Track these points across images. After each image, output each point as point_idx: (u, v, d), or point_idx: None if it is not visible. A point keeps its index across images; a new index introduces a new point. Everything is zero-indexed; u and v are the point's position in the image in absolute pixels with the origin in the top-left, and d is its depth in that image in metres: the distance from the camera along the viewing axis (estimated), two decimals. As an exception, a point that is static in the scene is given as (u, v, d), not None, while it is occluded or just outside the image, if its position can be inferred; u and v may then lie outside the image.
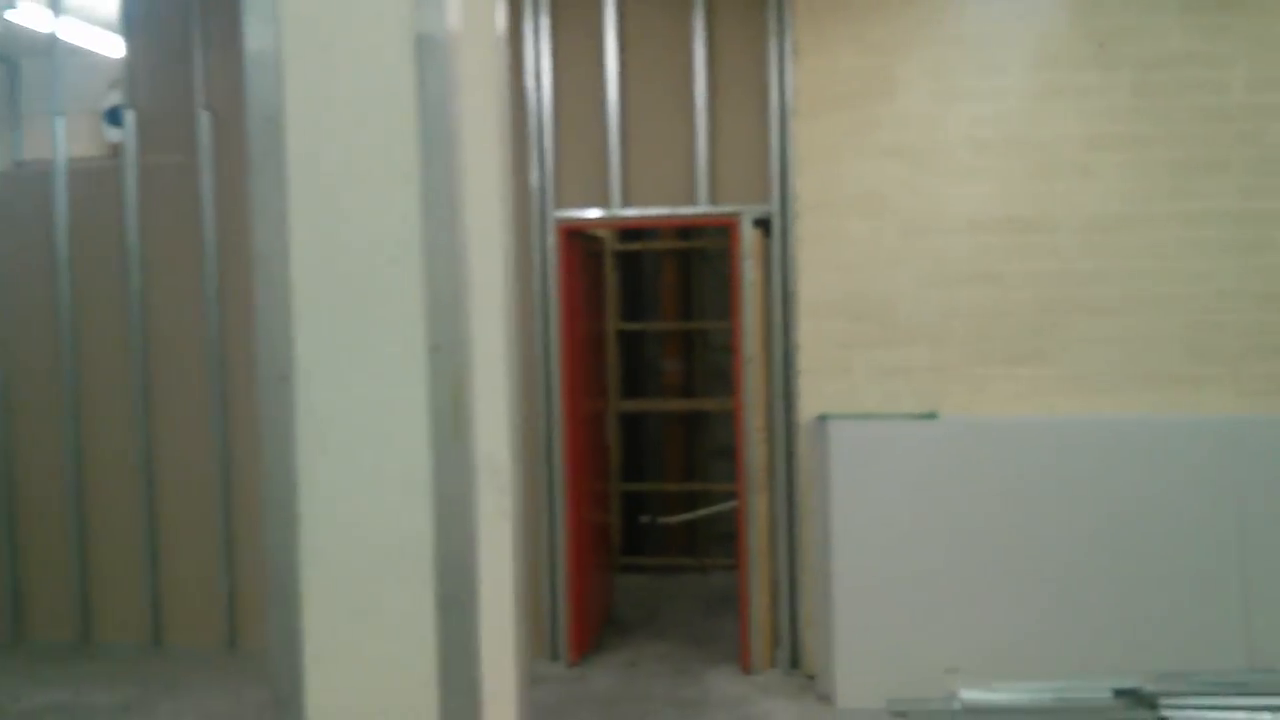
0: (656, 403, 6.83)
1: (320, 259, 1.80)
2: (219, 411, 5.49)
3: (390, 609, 1.79)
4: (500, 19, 2.16)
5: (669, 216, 5.14)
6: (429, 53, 1.78)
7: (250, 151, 1.83)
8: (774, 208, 4.95)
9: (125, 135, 5.56)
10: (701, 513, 6.77)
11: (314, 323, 1.80)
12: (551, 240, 5.11)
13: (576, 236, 5.26)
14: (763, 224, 5.01)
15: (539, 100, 5.13)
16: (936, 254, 4.83)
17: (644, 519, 6.88)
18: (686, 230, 6.68)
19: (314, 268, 1.80)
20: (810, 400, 4.87)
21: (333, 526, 1.81)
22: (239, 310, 5.46)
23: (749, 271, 4.92)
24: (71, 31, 5.97)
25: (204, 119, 5.45)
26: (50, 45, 5.61)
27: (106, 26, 6.49)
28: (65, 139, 5.68)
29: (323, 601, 1.82)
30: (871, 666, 4.60)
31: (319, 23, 1.81)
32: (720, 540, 6.82)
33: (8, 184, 5.73)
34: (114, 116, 7.03)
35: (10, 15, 6.00)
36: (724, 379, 6.87)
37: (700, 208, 5.04)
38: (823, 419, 4.72)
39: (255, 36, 1.81)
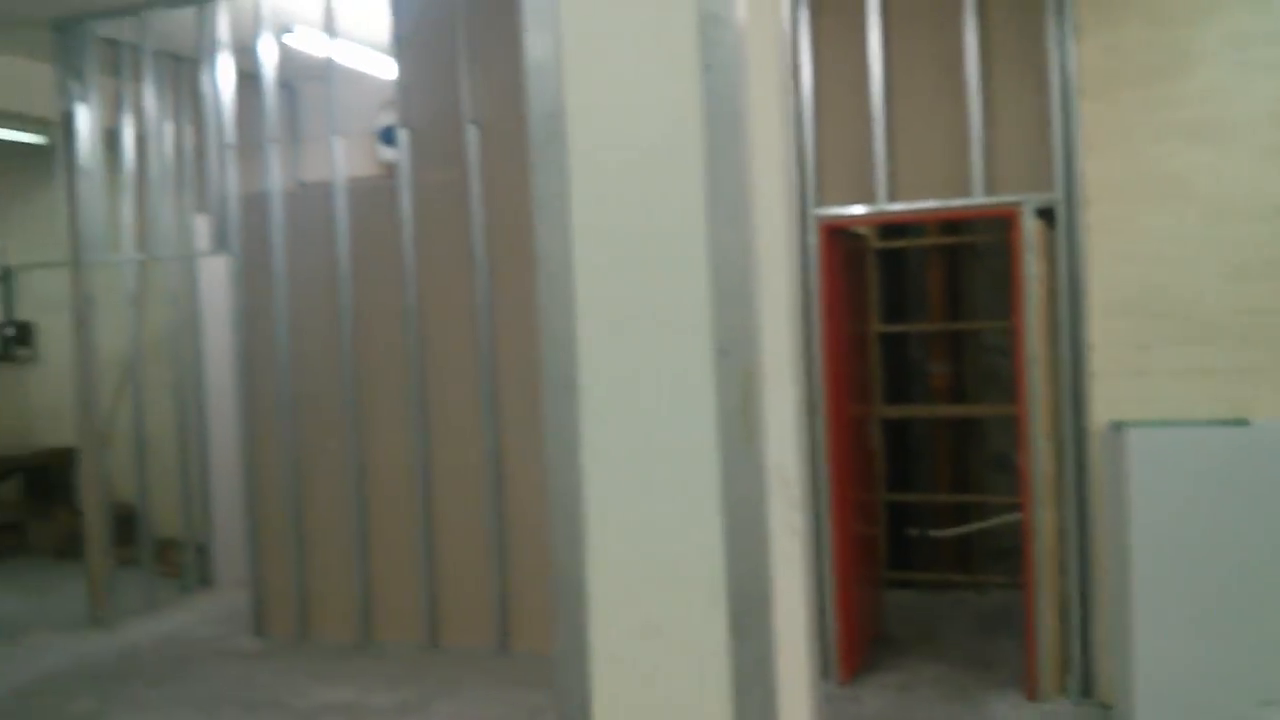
0: (923, 408, 6.51)
1: (604, 261, 1.72)
2: (491, 417, 5.61)
3: (680, 626, 1.68)
4: (784, 6, 2.03)
5: (940, 210, 4.85)
6: (714, 43, 1.67)
7: (531, 153, 1.77)
8: (1058, 196, 4.57)
9: (399, 153, 5.78)
10: (976, 526, 6.39)
11: (598, 327, 1.72)
12: (813, 239, 4.92)
13: (838, 234, 5.06)
14: (1045, 214, 4.65)
15: (798, 92, 4.96)
16: (1243, 243, 4.34)
17: (912, 531, 6.56)
18: (954, 224, 6.33)
19: (597, 270, 1.72)
20: (1102, 405, 4.47)
21: (620, 537, 1.72)
22: (509, 318, 5.58)
23: (1031, 266, 4.57)
24: (346, 55, 6.28)
25: (471, 133, 5.59)
26: (327, 69, 5.90)
27: (378, 49, 6.81)
28: (343, 159, 5.95)
29: (610, 615, 1.74)
30: (1176, 697, 4.16)
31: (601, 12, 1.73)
32: (996, 555, 6.42)
33: (293, 203, 6.06)
34: (388, 136, 7.35)
35: (289, 40, 6.36)
36: (997, 383, 6.46)
37: (975, 199, 4.73)
38: (1119, 426, 4.31)
39: (537, 26, 1.75)
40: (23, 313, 9.32)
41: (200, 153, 6.72)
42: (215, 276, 7.15)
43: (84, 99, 6.28)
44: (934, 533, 6.46)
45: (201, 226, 6.92)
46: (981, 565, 6.49)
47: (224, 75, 6.08)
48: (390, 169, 7.42)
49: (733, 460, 1.64)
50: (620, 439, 1.71)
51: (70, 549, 8.49)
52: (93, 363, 6.44)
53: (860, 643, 5.14)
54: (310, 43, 6.45)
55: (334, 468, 5.98)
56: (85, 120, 6.31)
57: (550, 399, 1.73)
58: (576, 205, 1.71)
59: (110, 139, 6.51)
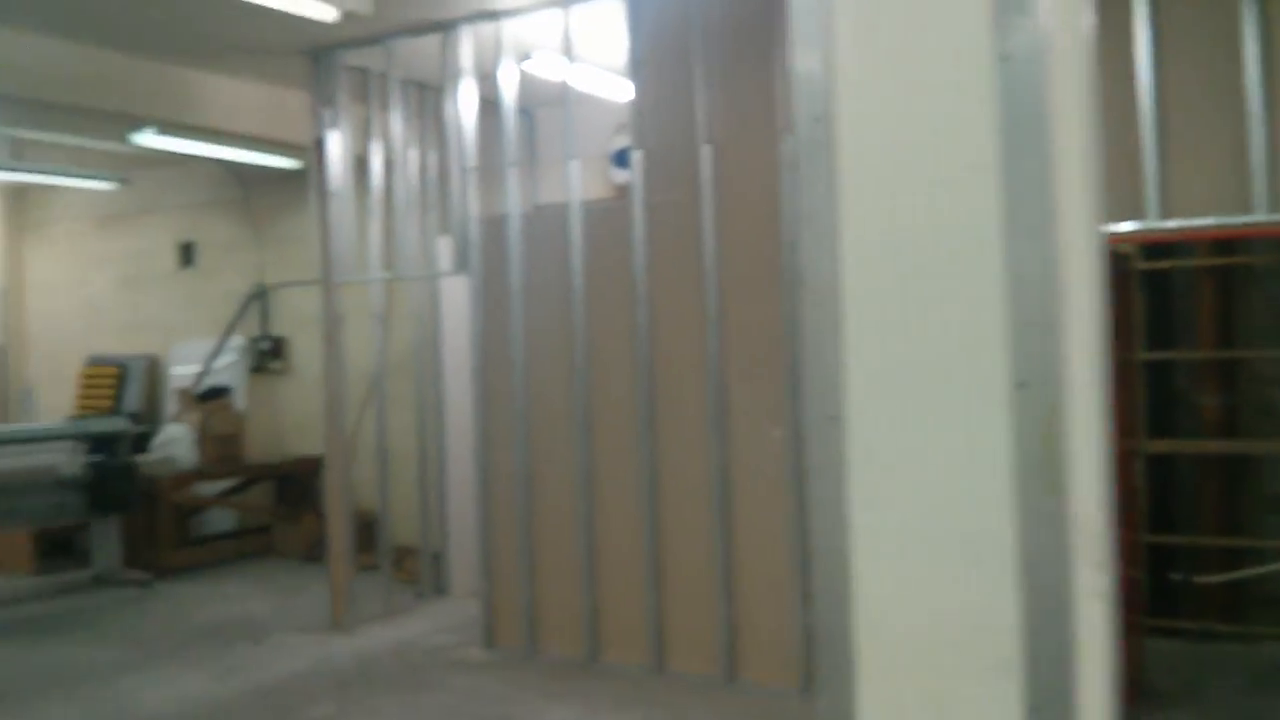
0: (1191, 443, 5.97)
1: (877, 281, 1.55)
2: (718, 436, 5.51)
3: (966, 702, 1.49)
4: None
5: (1218, 228, 4.42)
6: (1013, 29, 1.48)
7: (800, 163, 1.63)
8: (1361, 212, 4.09)
9: (633, 175, 5.76)
10: (1249, 572, 5.80)
11: (870, 355, 1.56)
12: (1072, 260, 4.56)
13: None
14: (1344, 232, 4.16)
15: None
16: None
17: (1176, 576, 6.02)
18: (1227, 244, 5.79)
19: (870, 292, 1.56)
20: None
21: (893, 593, 1.54)
22: (738, 338, 5.47)
23: (1328, 289, 4.10)
24: (582, 80, 6.32)
25: (705, 153, 5.51)
26: (563, 94, 5.94)
27: (614, 72, 6.84)
28: (579, 182, 5.98)
29: (882, 685, 1.56)
30: None
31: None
32: (1270, 605, 5.81)
33: (530, 225, 6.14)
34: (621, 159, 7.38)
35: (528, 66, 6.47)
36: (1275, 417, 5.86)
37: (1258, 216, 4.28)
38: None
39: (806, 11, 1.61)
40: (277, 328, 9.89)
41: (443, 177, 6.93)
42: (454, 295, 7.36)
43: (335, 125, 6.57)
44: (1200, 578, 5.91)
45: (443, 248, 7.13)
46: (1254, 615, 5.89)
47: (466, 101, 6.23)
48: (622, 191, 7.46)
49: (1031, 512, 1.44)
50: (894, 484, 1.53)
51: (315, 553, 8.91)
52: (341, 376, 6.71)
53: (1121, 694, 4.71)
54: (548, 68, 6.54)
55: (563, 483, 6.00)
56: (336, 146, 6.60)
57: (814, 435, 1.58)
58: (846, 220, 1.55)
59: (359, 164, 6.78)
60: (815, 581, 1.61)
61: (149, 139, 7.49)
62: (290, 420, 9.84)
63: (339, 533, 6.72)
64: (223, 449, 9.01)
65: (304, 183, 9.45)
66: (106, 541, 8.27)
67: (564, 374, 5.99)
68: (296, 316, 9.77)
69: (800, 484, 5.30)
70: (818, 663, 1.59)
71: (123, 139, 8.08)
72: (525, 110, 7.50)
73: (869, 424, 1.56)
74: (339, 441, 6.71)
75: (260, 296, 9.90)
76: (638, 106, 5.75)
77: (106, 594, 7.95)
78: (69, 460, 7.98)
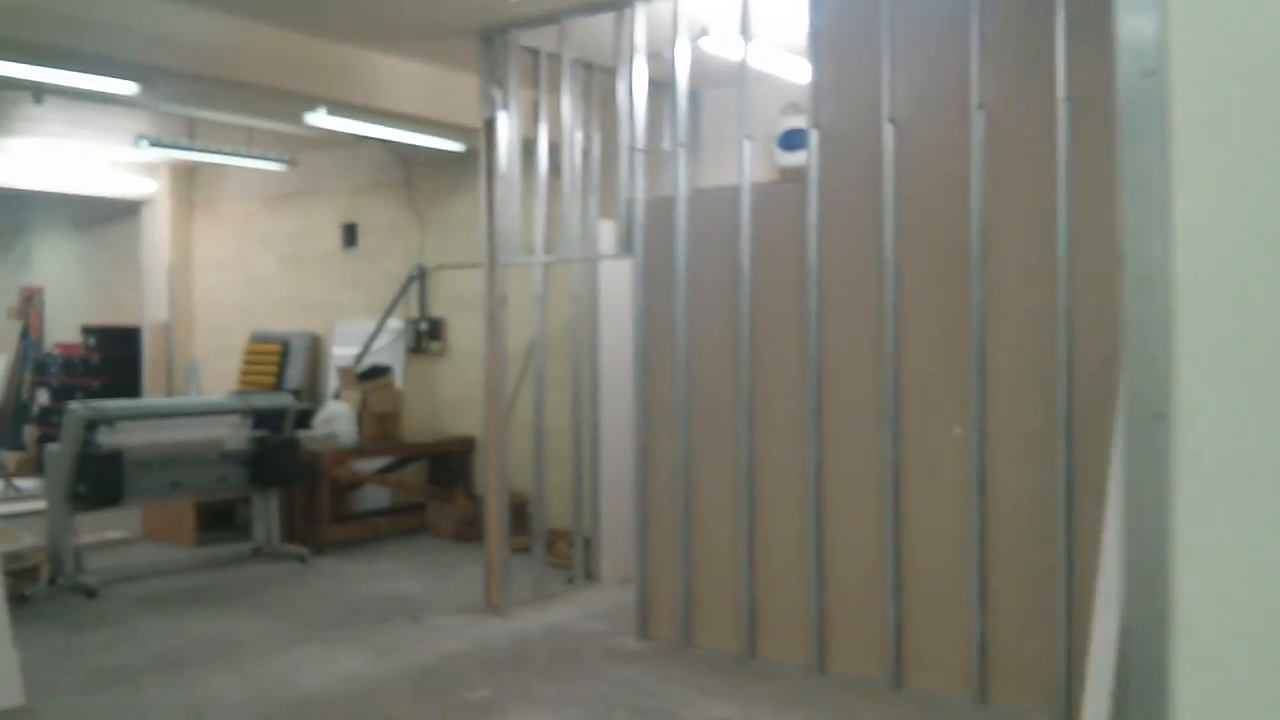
0: None
1: (1219, 257, 1.33)
2: (891, 432, 5.27)
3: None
4: None
5: None
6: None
7: (1120, 125, 1.42)
8: None
9: (809, 154, 5.55)
10: None
11: (1207, 341, 1.34)
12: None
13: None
14: None
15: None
16: None
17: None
18: None
19: (1207, 268, 1.34)
20: None
21: (1224, 623, 1.33)
22: (917, 325, 5.24)
23: None
24: (755, 58, 6.12)
25: (888, 132, 5.27)
26: (739, 73, 5.76)
27: (788, 50, 6.62)
28: (750, 163, 5.80)
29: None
30: None
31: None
32: None
33: (695, 207, 5.98)
34: (789, 140, 7.15)
35: (704, 44, 6.30)
36: None
37: None
38: None
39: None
40: (435, 309, 9.99)
41: (606, 159, 6.84)
42: (613, 278, 7.27)
43: (505, 107, 6.52)
44: None
45: (605, 231, 7.04)
46: None
47: (638, 80, 6.11)
48: (787, 173, 7.25)
49: None
50: (1229, 489, 1.32)
51: (466, 533, 8.97)
52: (502, 358, 6.68)
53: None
54: (723, 46, 6.37)
55: (724, 471, 5.85)
56: (505, 128, 6.55)
57: (1132, 434, 1.37)
58: (1181, 196, 1.34)
59: (525, 146, 6.73)
60: (1125, 602, 1.40)
61: (320, 119, 7.59)
62: (445, 400, 9.93)
63: (495, 514, 6.70)
64: (381, 427, 9.13)
65: (465, 166, 9.52)
66: (267, 515, 8.47)
67: (727, 359, 5.83)
68: (454, 298, 9.85)
69: (980, 484, 5.04)
70: (1124, 697, 1.39)
71: (295, 119, 8.23)
72: (692, 92, 7.33)
73: (1203, 421, 1.35)
74: (498, 422, 6.68)
75: (419, 278, 10.00)
76: (816, 84, 5.53)
77: (266, 566, 8.13)
78: (235, 434, 8.19)
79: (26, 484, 11.19)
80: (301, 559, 8.25)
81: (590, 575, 7.38)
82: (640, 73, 6.12)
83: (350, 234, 10.68)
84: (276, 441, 8.23)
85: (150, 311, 12.11)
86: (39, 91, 8.43)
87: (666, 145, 6.28)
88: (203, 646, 6.10)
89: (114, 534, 8.13)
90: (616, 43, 6.17)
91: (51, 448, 7.62)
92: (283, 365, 10.94)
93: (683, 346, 5.95)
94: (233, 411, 8.21)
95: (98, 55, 6.23)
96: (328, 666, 5.72)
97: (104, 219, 12.97)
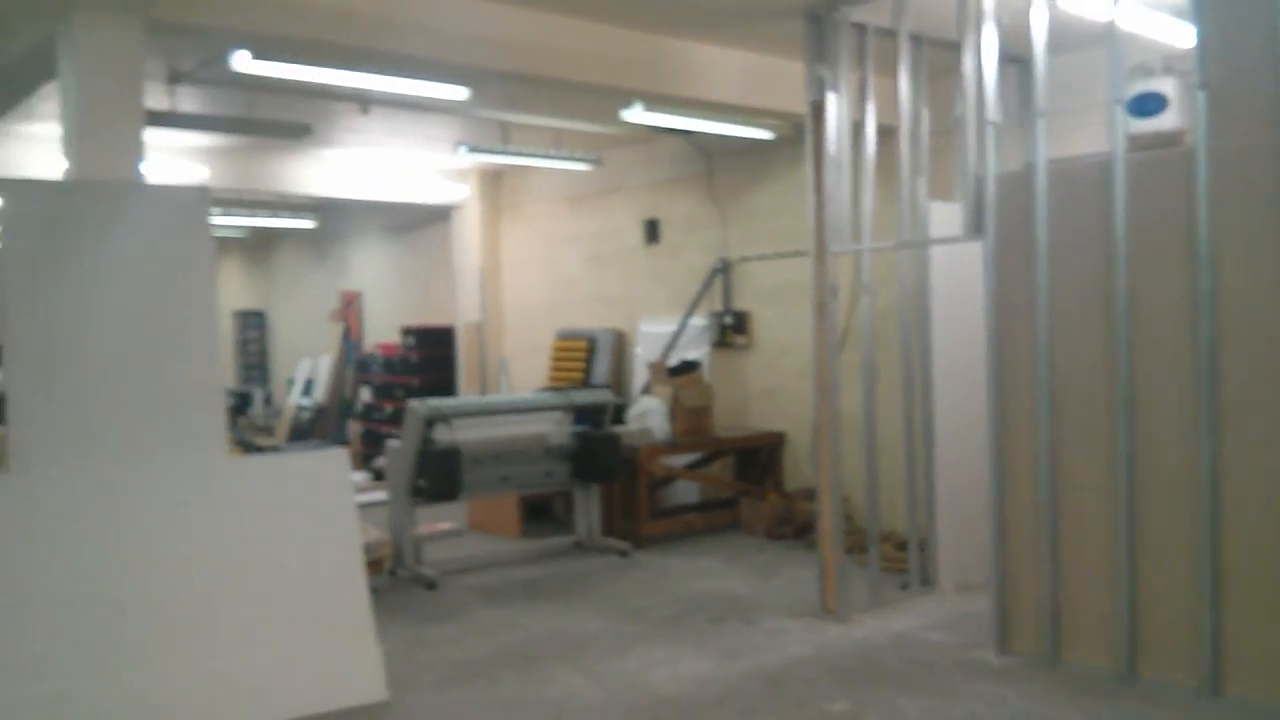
0: None
1: None
2: (1309, 433, 4.62)
3: None
4: None
5: None
6: None
7: None
8: None
9: (1198, 119, 4.95)
10: None
11: None
12: None
13: None
14: None
15: None
16: None
17: None
18: None
19: None
20: None
21: None
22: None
23: None
24: (1120, 14, 5.55)
25: (1298, 87, 4.61)
26: (1107, 33, 5.22)
27: (1151, 5, 6.00)
28: (1123, 131, 5.25)
29: None
30: None
31: None
32: None
33: (1054, 182, 5.47)
34: (1140, 106, 6.49)
35: (1065, 4, 5.79)
36: None
37: None
38: None
39: None
40: (739, 302, 9.82)
41: (936, 137, 6.43)
42: (946, 263, 6.83)
43: (835, 88, 6.23)
44: None
45: (937, 213, 6.63)
46: None
47: (987, 48, 5.68)
48: (1136, 140, 6.58)
49: None
50: None
51: (779, 531, 8.76)
52: (832, 351, 6.39)
53: None
54: (1079, 5, 5.83)
55: (1097, 470, 5.32)
56: (835, 109, 6.25)
57: None
58: None
59: (852, 128, 6.41)
60: None
61: (635, 114, 7.55)
62: (752, 394, 9.75)
63: (829, 513, 6.42)
64: (693, 422, 9.05)
65: (769, 155, 9.31)
66: (588, 509, 8.55)
67: (1099, 347, 5.30)
68: (759, 290, 9.66)
69: None
70: None
71: (605, 117, 8.27)
72: (1020, 60, 6.80)
73: None
74: (829, 417, 6.39)
75: (723, 271, 9.87)
76: (1202, 42, 4.93)
77: (588, 560, 8.20)
78: (558, 430, 8.30)
79: (354, 477, 11.86)
80: (623, 554, 8.27)
81: (926, 581, 6.98)
82: (990, 39, 5.67)
83: (652, 229, 10.68)
84: (598, 437, 8.28)
85: (463, 312, 12.60)
86: (366, 102, 8.86)
87: (999, 117, 5.78)
88: (546, 641, 6.14)
89: (445, 525, 8.42)
90: (961, 8, 5.75)
91: (392, 444, 7.97)
92: (589, 361, 11.09)
93: (1045, 333, 5.46)
94: (556, 408, 8.33)
95: (425, 59, 6.33)
96: (674, 668, 5.62)
97: (417, 224, 13.63)
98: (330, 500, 5.40)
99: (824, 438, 6.40)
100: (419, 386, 12.74)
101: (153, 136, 6.73)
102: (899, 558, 7.27)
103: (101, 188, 5.05)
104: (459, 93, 6.98)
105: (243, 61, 5.94)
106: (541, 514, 9.67)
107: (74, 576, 4.63)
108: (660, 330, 10.37)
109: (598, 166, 10.18)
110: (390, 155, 11.35)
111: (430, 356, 13.14)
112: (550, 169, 11.33)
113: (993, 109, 5.73)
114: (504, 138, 9.62)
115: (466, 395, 12.12)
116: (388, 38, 5.97)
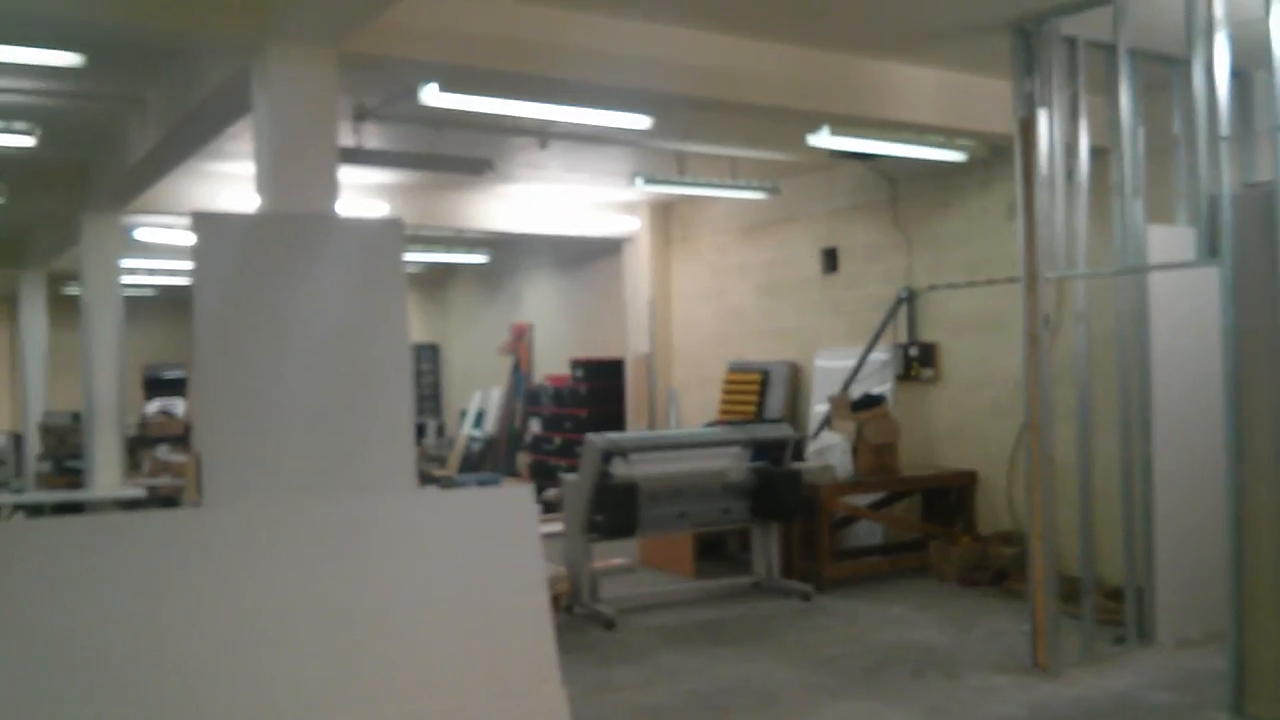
0: None
1: None
2: None
3: None
4: None
5: None
6: None
7: None
8: None
9: None
10: None
11: None
12: None
13: None
14: None
15: None
16: None
17: None
18: None
19: None
20: None
21: None
22: None
23: None
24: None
25: None
26: None
27: None
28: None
29: None
30: None
31: None
32: None
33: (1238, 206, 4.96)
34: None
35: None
36: None
37: None
38: None
39: None
40: (926, 333, 9.39)
41: (1153, 155, 5.95)
42: (1162, 290, 6.31)
43: (1046, 104, 5.83)
44: None
45: (1154, 236, 6.13)
46: None
47: (1219, 59, 5.20)
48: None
49: None
50: None
51: (972, 577, 8.26)
52: (1046, 386, 5.94)
53: None
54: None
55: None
56: (1046, 127, 5.85)
57: None
58: None
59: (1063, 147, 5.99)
60: None
61: (823, 139, 7.27)
62: (939, 431, 9.29)
63: (1041, 561, 5.96)
64: (877, 460, 8.65)
65: (958, 179, 8.89)
66: (767, 549, 8.24)
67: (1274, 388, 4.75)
68: (947, 321, 9.21)
69: None
70: None
71: (791, 144, 8.01)
72: (1239, 73, 6.25)
73: None
74: (1044, 456, 5.93)
75: (908, 301, 9.46)
76: None
77: (769, 603, 7.88)
78: (736, 466, 8.03)
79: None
80: (805, 597, 7.92)
81: (1143, 634, 6.41)
82: (1221, 49, 5.20)
83: (830, 259, 10.35)
84: (779, 474, 7.98)
85: (632, 344, 12.49)
86: (546, 136, 8.84)
87: (1229, 132, 5.28)
88: (736, 691, 5.85)
89: (619, 562, 8.23)
90: (1189, 17, 5.30)
91: (569, 478, 7.84)
92: (762, 395, 10.80)
93: (1294, 368, 4.93)
94: (735, 443, 8.07)
95: (608, 86, 6.19)
96: (876, 726, 5.26)
97: (587, 258, 13.62)
98: (517, 538, 5.24)
99: (1037, 479, 5.94)
100: (587, 419, 12.67)
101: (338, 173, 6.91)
102: (1112, 609, 6.70)
103: (295, 221, 5.05)
104: (641, 122, 6.83)
105: (432, 95, 5.91)
106: (714, 551, 9.39)
107: (260, 611, 4.58)
108: (838, 363, 10.01)
109: (775, 195, 9.91)
110: (563, 190, 11.35)
111: (599, 389, 13.07)
112: (723, 199, 11.15)
113: (1225, 123, 5.25)
114: (680, 168, 9.45)
115: (638, 429, 11.98)
116: (573, 66, 5.87)
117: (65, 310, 15.44)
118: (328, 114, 5.09)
